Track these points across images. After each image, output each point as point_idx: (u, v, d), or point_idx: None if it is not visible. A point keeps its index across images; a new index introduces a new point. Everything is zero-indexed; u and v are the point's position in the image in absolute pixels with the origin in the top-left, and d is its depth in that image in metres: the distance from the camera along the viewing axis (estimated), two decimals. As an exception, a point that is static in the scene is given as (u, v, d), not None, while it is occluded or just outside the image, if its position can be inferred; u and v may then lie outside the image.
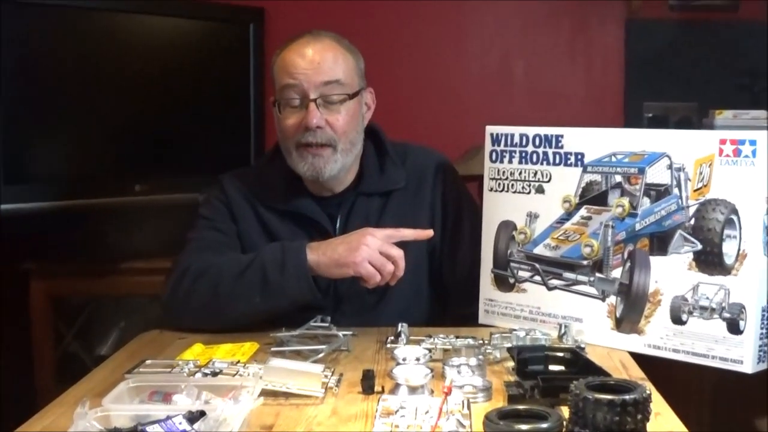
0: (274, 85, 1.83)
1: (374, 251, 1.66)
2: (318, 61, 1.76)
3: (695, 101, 2.98)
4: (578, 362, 1.41)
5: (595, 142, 1.62)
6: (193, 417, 1.16)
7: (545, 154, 1.67)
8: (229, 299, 1.71)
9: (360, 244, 1.66)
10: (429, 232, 1.75)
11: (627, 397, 1.05)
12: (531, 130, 1.70)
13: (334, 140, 1.77)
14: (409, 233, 1.72)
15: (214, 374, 1.37)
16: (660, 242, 1.55)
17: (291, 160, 1.81)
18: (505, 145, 1.72)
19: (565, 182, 1.65)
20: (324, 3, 3.04)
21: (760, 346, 1.47)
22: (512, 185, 1.72)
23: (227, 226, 1.86)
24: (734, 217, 1.47)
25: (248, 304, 1.70)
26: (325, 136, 1.76)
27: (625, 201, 1.59)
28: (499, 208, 1.73)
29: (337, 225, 1.85)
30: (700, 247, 1.50)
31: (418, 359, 1.40)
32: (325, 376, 1.40)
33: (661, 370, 1.50)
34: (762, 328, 1.46)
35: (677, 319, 1.53)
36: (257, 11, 2.94)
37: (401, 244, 1.71)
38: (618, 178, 1.60)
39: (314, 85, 1.75)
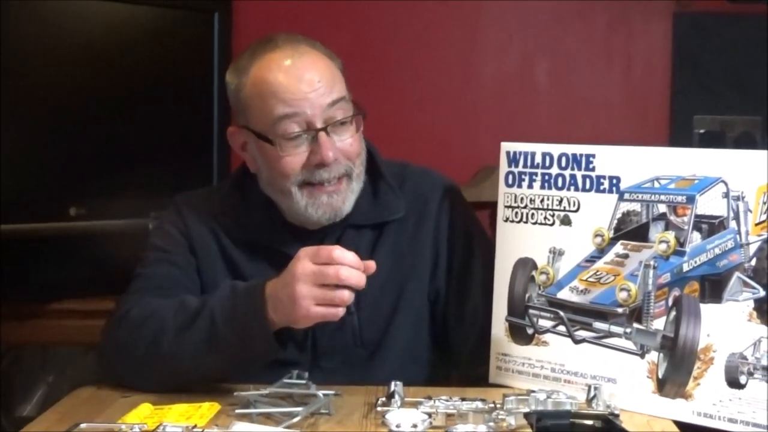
0: (244, 114, 1.81)
1: (312, 290, 1.59)
2: (318, 80, 1.75)
3: (758, 114, 3.00)
4: (611, 432, 1.42)
5: (634, 163, 1.63)
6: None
7: (573, 177, 1.69)
8: (174, 358, 1.69)
9: (294, 292, 1.59)
10: (372, 267, 1.65)
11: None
12: (556, 149, 1.71)
13: (349, 168, 1.78)
14: (342, 257, 1.60)
15: (165, 441, 1.38)
16: (713, 287, 1.56)
17: (290, 202, 1.79)
18: (524, 165, 1.74)
19: (597, 212, 1.66)
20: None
21: (837, 416, 1.48)
22: (532, 215, 1.73)
23: (184, 259, 1.86)
24: (806, 258, 1.49)
25: (198, 364, 1.68)
26: (340, 168, 1.77)
27: (671, 236, 1.60)
28: (516, 242, 1.74)
29: None
30: (763, 293, 1.51)
31: (415, 426, 1.41)
32: (301, 446, 1.41)
33: (713, 444, 1.52)
34: (841, 395, 1.48)
35: (734, 382, 1.53)
36: (223, -3, 2.96)
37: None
38: (662, 208, 1.61)
39: (320, 110, 1.74)
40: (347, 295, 1.60)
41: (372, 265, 1.63)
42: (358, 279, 1.60)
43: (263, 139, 1.77)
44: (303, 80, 1.74)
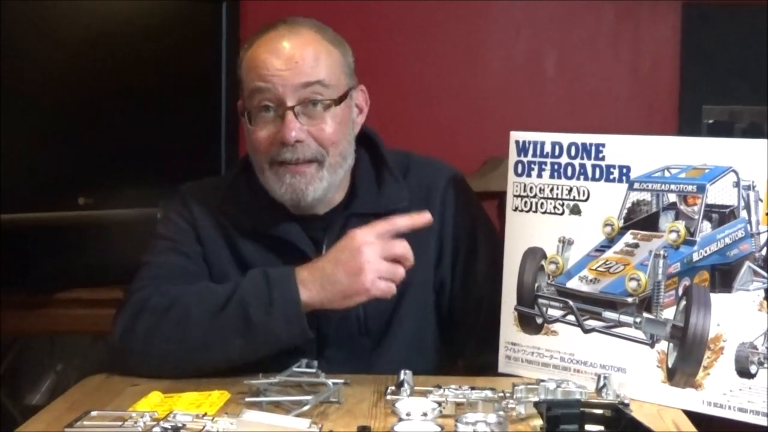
0: (241, 89, 1.83)
1: (379, 262, 1.66)
2: (296, 60, 1.75)
3: (767, 105, 3.00)
4: (621, 421, 1.42)
5: (644, 153, 1.63)
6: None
7: (582, 166, 1.69)
8: (201, 344, 1.70)
9: (362, 264, 1.65)
10: (426, 216, 1.74)
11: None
12: (565, 138, 1.71)
13: (320, 154, 1.77)
14: (404, 222, 1.71)
15: (176, 429, 1.37)
16: (723, 276, 1.56)
17: (264, 180, 1.81)
18: (534, 155, 1.74)
19: (607, 201, 1.66)
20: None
21: None
22: (542, 204, 1.73)
23: (192, 248, 1.86)
24: (816, 247, 1.49)
25: (225, 350, 1.70)
26: (307, 151, 1.76)
27: (681, 225, 1.60)
28: (526, 231, 1.74)
29: (323, 252, 1.83)
30: (772, 283, 1.52)
31: (425, 415, 1.41)
32: (311, 434, 1.40)
33: (723, 433, 1.52)
34: None
35: (744, 371, 1.53)
36: (232, -14, 2.96)
37: (405, 279, 1.72)
38: (672, 198, 1.61)
39: (291, 89, 1.74)
40: (402, 272, 1.68)
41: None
42: (411, 255, 1.69)
43: (244, 114, 1.80)
44: (281, 57, 1.75)
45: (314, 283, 1.68)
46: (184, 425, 1.39)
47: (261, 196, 1.86)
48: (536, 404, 1.49)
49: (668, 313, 1.60)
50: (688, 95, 3.08)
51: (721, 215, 1.57)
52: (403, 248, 1.68)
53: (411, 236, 1.84)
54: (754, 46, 3.05)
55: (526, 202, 1.74)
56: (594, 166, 1.67)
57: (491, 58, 3.19)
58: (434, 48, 3.19)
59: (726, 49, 3.07)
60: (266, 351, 1.70)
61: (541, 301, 1.73)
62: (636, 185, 1.63)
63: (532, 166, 1.74)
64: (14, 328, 2.66)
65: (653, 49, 3.16)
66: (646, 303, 1.62)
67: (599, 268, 1.66)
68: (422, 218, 1.73)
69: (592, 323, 1.67)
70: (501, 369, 1.77)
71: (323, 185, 1.79)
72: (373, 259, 1.66)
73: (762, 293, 1.52)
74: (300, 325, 1.67)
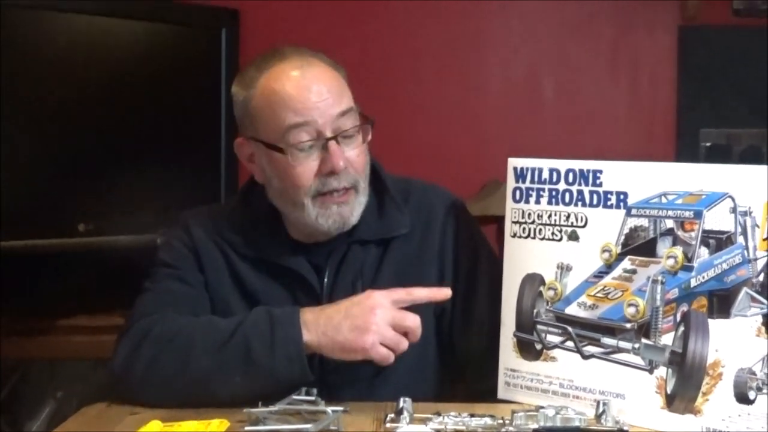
0: (253, 125, 1.81)
1: (386, 329, 1.67)
2: (326, 90, 1.76)
3: (765, 128, 3.00)
4: (620, 448, 1.42)
5: (642, 179, 1.63)
6: None
7: (580, 193, 1.69)
8: (202, 378, 1.70)
9: (369, 324, 1.66)
10: (447, 292, 1.76)
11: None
12: (563, 164, 1.71)
13: (356, 180, 1.79)
14: (422, 294, 1.73)
15: (175, 459, 1.38)
16: (721, 302, 1.56)
17: (303, 214, 1.80)
18: (532, 181, 1.74)
19: (605, 228, 1.66)
20: (309, 3, 3.08)
21: None
22: (540, 230, 1.73)
23: (193, 276, 1.86)
24: (814, 273, 1.49)
25: (226, 385, 1.69)
26: (349, 177, 1.78)
27: (678, 251, 1.60)
28: (524, 257, 1.74)
29: (325, 279, 1.85)
30: (770, 308, 1.52)
31: (424, 443, 1.41)
32: (311, 463, 1.41)
33: (721, 459, 1.52)
34: None
35: (743, 397, 1.53)
36: (230, 13, 2.96)
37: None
38: (669, 224, 1.61)
39: (330, 120, 1.75)
40: (405, 345, 1.69)
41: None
42: (420, 331, 1.71)
43: (274, 149, 1.78)
44: (312, 90, 1.76)
45: (317, 328, 1.68)
46: (183, 455, 1.40)
47: (262, 222, 1.87)
48: (535, 431, 1.49)
49: (667, 339, 1.60)
50: (685, 118, 3.09)
51: (719, 241, 1.57)
52: (413, 322, 1.69)
53: (412, 262, 1.86)
54: (752, 69, 3.05)
55: (524, 229, 1.75)
56: (591, 193, 1.68)
57: (489, 80, 3.21)
58: (432, 70, 3.20)
59: (723, 72, 3.08)
60: (266, 389, 1.68)
61: (539, 327, 1.72)
62: (633, 211, 1.64)
63: (530, 192, 1.74)
64: (13, 353, 2.67)
65: (650, 71, 3.17)
66: (645, 329, 1.62)
67: (597, 294, 1.67)
68: (442, 293, 1.76)
69: (590, 349, 1.67)
70: (500, 395, 1.77)
71: (360, 209, 1.82)
72: (382, 323, 1.67)
73: (760, 319, 1.52)
74: (301, 365, 1.67)
